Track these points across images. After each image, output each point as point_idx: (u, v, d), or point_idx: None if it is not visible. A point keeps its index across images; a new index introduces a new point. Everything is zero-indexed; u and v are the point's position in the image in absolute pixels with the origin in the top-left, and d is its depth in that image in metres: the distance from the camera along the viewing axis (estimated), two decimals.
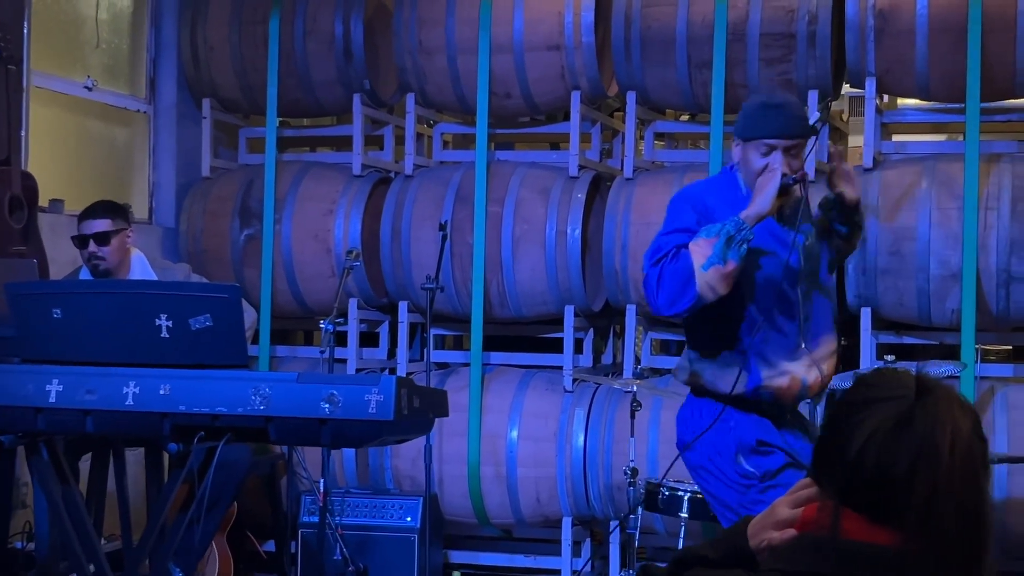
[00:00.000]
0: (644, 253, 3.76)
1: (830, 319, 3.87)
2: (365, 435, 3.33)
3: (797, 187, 3.68)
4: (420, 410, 3.44)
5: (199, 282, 5.28)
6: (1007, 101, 6.32)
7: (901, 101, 6.99)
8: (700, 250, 3.52)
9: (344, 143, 7.35)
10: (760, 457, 3.73)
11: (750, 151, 3.66)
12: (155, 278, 5.27)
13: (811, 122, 5.42)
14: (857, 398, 1.85)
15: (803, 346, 3.71)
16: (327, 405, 3.30)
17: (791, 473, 3.68)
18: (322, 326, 5.04)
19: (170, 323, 3.48)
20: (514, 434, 6.55)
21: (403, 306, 6.95)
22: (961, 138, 6.22)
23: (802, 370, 3.73)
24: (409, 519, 6.29)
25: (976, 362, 5.95)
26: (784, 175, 3.59)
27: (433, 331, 6.83)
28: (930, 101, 6.40)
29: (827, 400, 4.40)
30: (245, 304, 5.56)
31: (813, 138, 5.58)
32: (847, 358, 7.04)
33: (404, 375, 6.82)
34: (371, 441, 3.37)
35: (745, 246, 3.51)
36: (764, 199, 3.56)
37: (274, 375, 3.45)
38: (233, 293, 3.44)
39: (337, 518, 6.22)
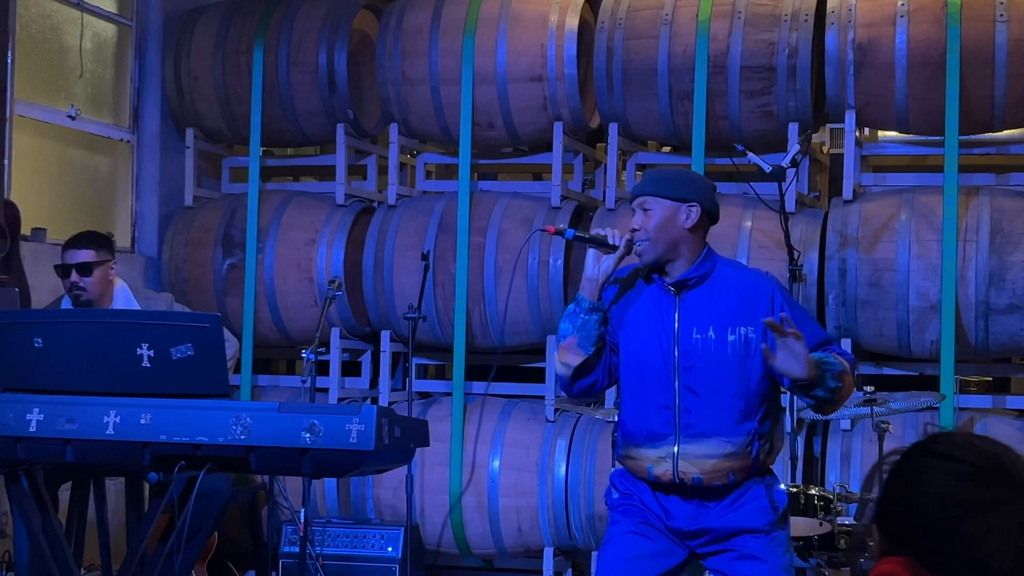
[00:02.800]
0: None
1: (734, 424, 3.55)
2: (346, 465, 3.34)
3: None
4: (401, 440, 3.44)
5: (181, 312, 5.28)
6: (985, 135, 6.38)
7: (881, 134, 7.05)
8: (560, 328, 3.67)
9: (327, 172, 7.37)
10: (623, 503, 3.73)
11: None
12: (138, 308, 5.27)
13: (791, 155, 5.53)
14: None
15: (672, 436, 3.57)
16: (308, 435, 3.31)
17: (628, 523, 3.67)
18: (304, 356, 5.05)
19: (151, 352, 3.48)
20: (496, 464, 6.55)
21: (385, 335, 6.95)
22: (940, 171, 6.27)
23: (652, 459, 3.61)
24: (390, 549, 6.27)
25: (956, 393, 5.99)
26: (567, 231, 3.65)
27: (415, 360, 6.84)
28: (909, 134, 6.45)
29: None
30: (227, 334, 5.57)
31: (793, 170, 5.68)
32: None
33: (386, 405, 6.83)
34: (352, 471, 3.37)
35: (584, 315, 3.57)
36: (587, 263, 3.64)
37: (255, 404, 3.46)
38: (214, 323, 3.45)
39: (318, 548, 6.21)
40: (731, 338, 3.53)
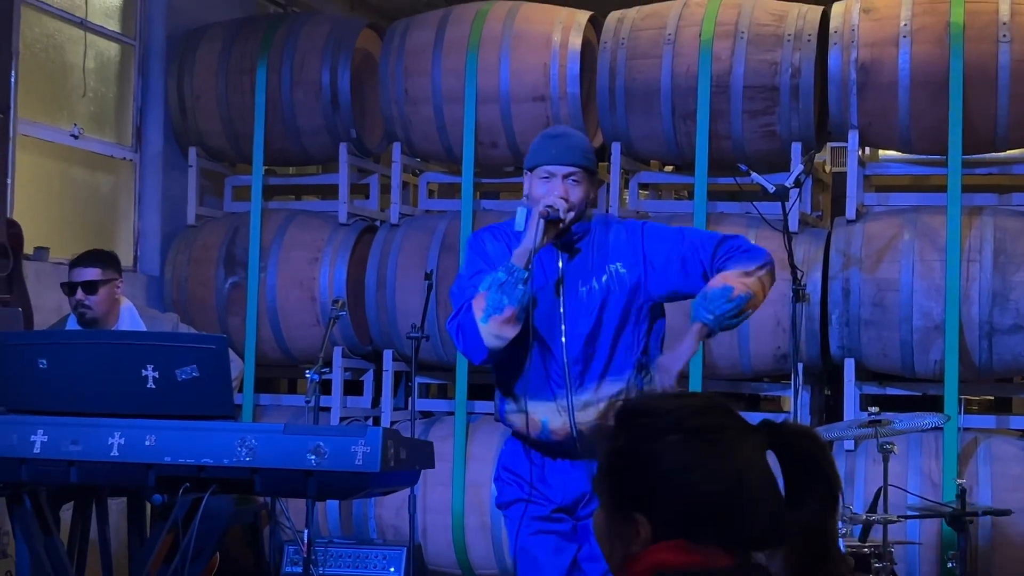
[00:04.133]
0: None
1: (622, 366, 3.61)
2: (351, 487, 3.32)
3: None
4: (406, 461, 3.43)
5: (186, 332, 5.27)
6: (988, 155, 6.38)
7: (883, 153, 7.05)
8: (478, 304, 3.51)
9: (330, 191, 7.37)
10: (502, 484, 3.74)
11: (534, 181, 3.62)
12: (143, 327, 5.26)
13: (794, 175, 5.52)
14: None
15: (562, 389, 3.58)
16: (313, 457, 3.29)
17: (519, 507, 3.64)
18: (308, 376, 5.03)
19: (156, 374, 3.47)
20: None
21: (388, 354, 6.94)
22: (943, 191, 6.27)
23: (547, 412, 3.59)
24: (392, 570, 6.26)
25: (960, 413, 5.97)
26: (549, 208, 3.48)
27: (418, 379, 6.82)
28: (912, 154, 6.45)
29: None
30: (232, 354, 5.54)
31: (796, 190, 5.67)
32: (830, 408, 7.08)
33: (388, 424, 6.82)
34: (357, 493, 3.36)
35: (522, 286, 3.45)
36: (528, 234, 3.50)
37: (260, 426, 3.45)
38: (220, 344, 3.44)
39: (320, 568, 6.18)
40: (604, 278, 3.60)
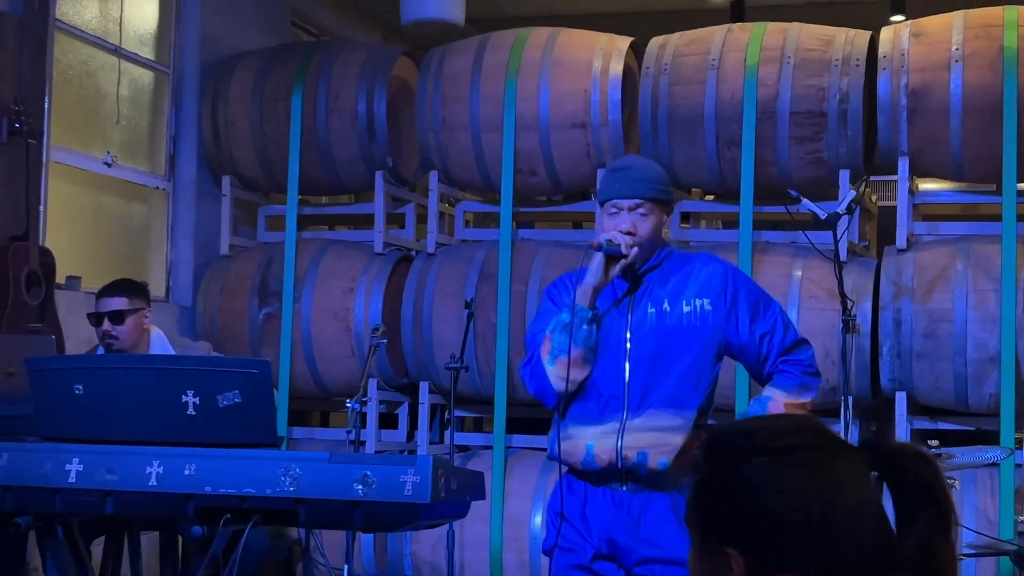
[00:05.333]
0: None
1: (685, 403, 3.43)
2: (400, 519, 3.16)
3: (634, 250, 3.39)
4: (456, 492, 3.28)
5: (228, 357, 5.14)
6: None
7: (925, 184, 6.88)
8: (544, 347, 3.39)
9: (364, 221, 7.24)
10: (548, 528, 3.54)
11: (604, 217, 3.49)
12: None
13: (846, 201, 5.37)
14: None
15: (621, 412, 3.40)
16: (360, 487, 3.14)
17: (560, 555, 3.45)
18: (348, 405, 4.88)
19: (197, 400, 3.33)
20: (538, 520, 6.36)
21: (424, 387, 6.79)
22: (992, 220, 6.10)
23: (593, 436, 3.41)
24: None
25: (1018, 449, 5.77)
26: (605, 242, 3.35)
27: (456, 412, 6.68)
28: (964, 181, 6.28)
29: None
30: None
31: (846, 217, 5.51)
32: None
33: None
34: (406, 525, 3.20)
35: (587, 326, 3.33)
36: (591, 270, 3.37)
37: (305, 454, 3.29)
38: (263, 368, 3.30)
39: None
40: (686, 309, 3.43)
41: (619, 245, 3.35)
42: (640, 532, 3.38)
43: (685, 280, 3.49)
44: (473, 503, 3.96)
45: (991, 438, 5.97)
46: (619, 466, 3.38)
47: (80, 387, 3.42)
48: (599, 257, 3.36)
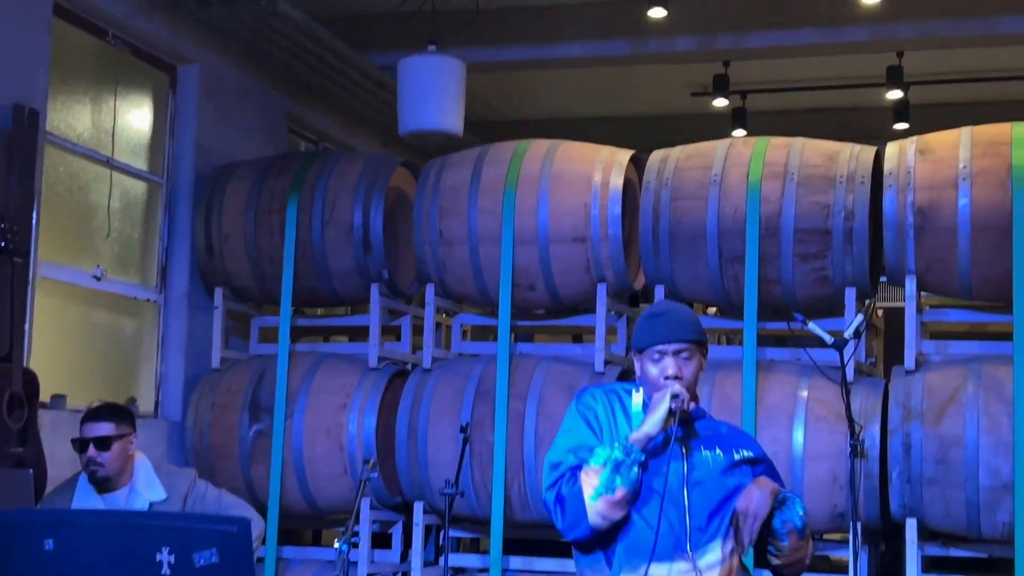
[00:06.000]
0: (544, 466, 3.57)
1: (724, 524, 3.44)
2: None
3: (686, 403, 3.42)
4: None
5: (206, 515, 4.92)
6: None
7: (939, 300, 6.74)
8: (588, 479, 3.36)
9: (359, 333, 7.09)
10: None
11: (645, 363, 3.50)
12: (159, 485, 4.94)
13: (853, 326, 5.21)
14: None
15: (686, 551, 3.38)
16: None
17: None
18: (337, 545, 4.67)
19: (172, 558, 3.13)
20: None
21: (418, 507, 6.59)
22: (1003, 338, 5.94)
23: (666, 572, 3.38)
24: None
25: None
26: (675, 398, 3.36)
27: (451, 532, 6.48)
28: (973, 300, 6.12)
29: None
30: (254, 514, 5.23)
31: (853, 341, 5.35)
32: (885, 565, 6.67)
33: None
34: None
35: (636, 468, 3.35)
36: (653, 421, 3.37)
37: None
38: (242, 527, 3.11)
39: None
40: (737, 456, 3.46)
41: (683, 401, 3.36)
42: None
43: (729, 434, 3.54)
44: None
45: (1005, 566, 5.77)
46: None
47: (50, 542, 3.23)
48: (664, 410, 3.35)
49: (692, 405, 3.42)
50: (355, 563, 6.52)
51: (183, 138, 7.14)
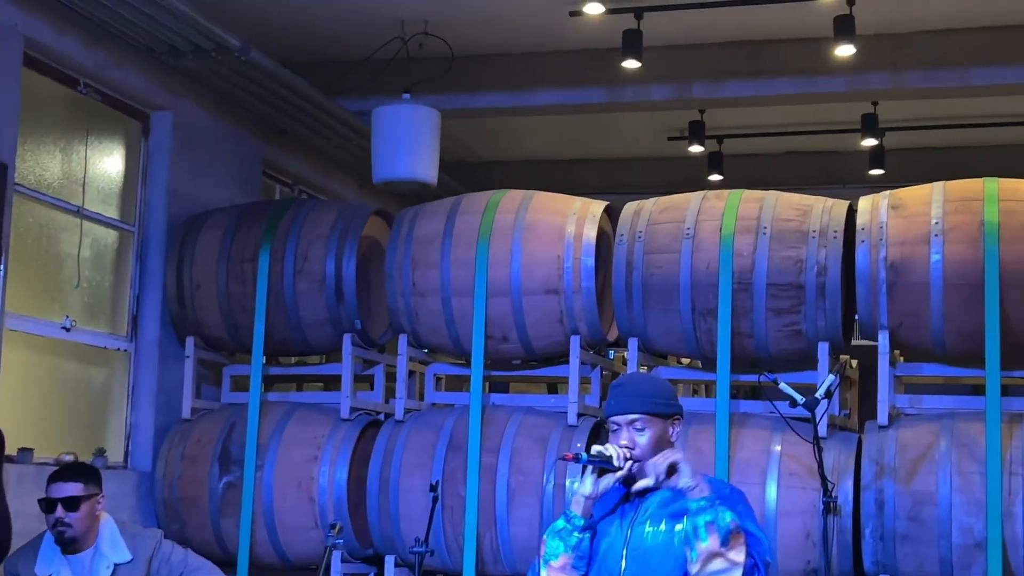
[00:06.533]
0: None
1: None
2: None
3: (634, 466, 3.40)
4: None
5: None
6: None
7: None
8: (541, 550, 3.50)
9: (332, 381, 7.04)
10: None
11: (610, 434, 3.57)
12: (124, 546, 4.87)
13: (825, 386, 5.19)
14: None
15: None
16: None
17: None
18: None
19: None
20: None
21: (390, 560, 6.53)
22: (977, 393, 5.92)
23: None
24: None
25: None
26: (590, 455, 3.39)
27: None
28: (946, 355, 6.09)
29: None
30: (213, 569, 5.17)
31: (825, 402, 5.31)
32: None
33: None
34: None
35: (578, 534, 3.43)
36: (584, 482, 3.45)
37: None
38: None
39: None
40: (678, 528, 3.41)
41: (610, 457, 3.39)
42: None
43: (683, 501, 3.45)
44: None
45: None
46: None
47: None
48: (589, 470, 3.41)
49: (629, 464, 3.37)
50: None
51: (155, 185, 7.10)
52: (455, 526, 6.29)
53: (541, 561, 3.48)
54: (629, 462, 3.42)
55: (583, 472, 3.46)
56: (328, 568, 6.32)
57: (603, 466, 3.41)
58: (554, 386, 7.70)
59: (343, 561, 6.58)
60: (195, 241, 6.99)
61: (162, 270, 7.05)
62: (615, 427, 3.49)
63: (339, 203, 7.37)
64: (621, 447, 3.44)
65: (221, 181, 7.52)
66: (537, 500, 6.22)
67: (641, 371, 6.40)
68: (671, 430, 3.52)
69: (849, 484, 5.89)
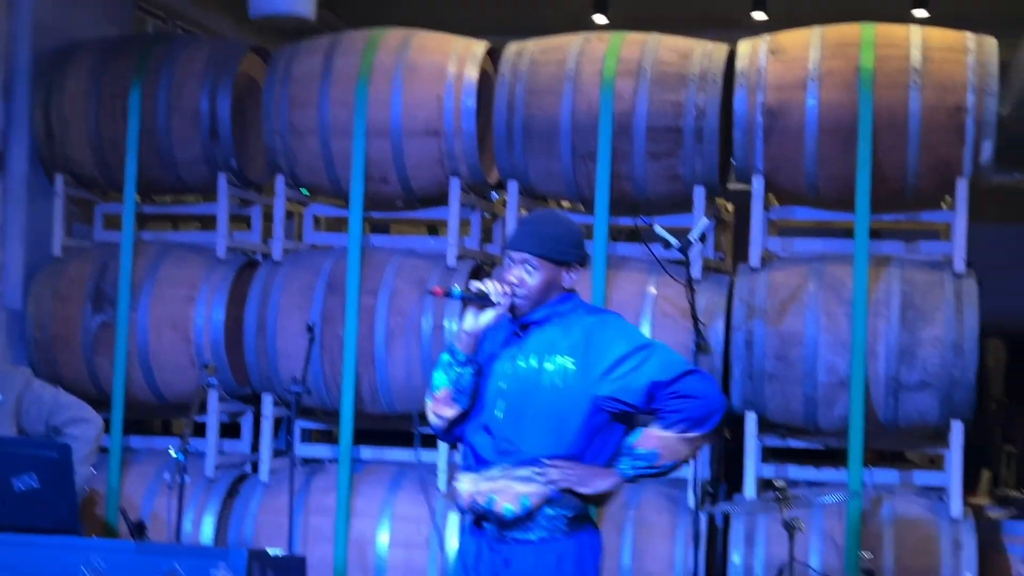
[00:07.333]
0: None
1: (552, 447, 3.47)
2: None
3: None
4: None
5: (23, 438, 4.80)
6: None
7: None
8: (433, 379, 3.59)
9: (209, 220, 6.93)
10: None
11: (504, 267, 3.66)
12: None
13: (698, 230, 5.25)
14: None
15: (493, 464, 3.50)
16: None
17: None
18: (172, 452, 4.62)
19: None
20: (384, 539, 6.19)
21: (267, 398, 6.55)
22: (848, 236, 6.05)
23: (467, 485, 3.54)
24: None
25: (865, 466, 5.77)
26: (464, 289, 3.50)
27: (300, 423, 6.48)
28: (819, 200, 6.20)
29: None
30: (90, 414, 5.14)
31: (699, 244, 5.37)
32: (730, 455, 6.85)
33: (268, 472, 6.45)
34: None
35: (458, 368, 3.50)
36: (464, 318, 3.53)
37: (108, 544, 3.06)
38: (63, 453, 3.05)
39: None
40: (548, 367, 3.48)
41: (487, 293, 3.46)
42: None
43: (558, 338, 3.53)
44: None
45: (840, 456, 5.98)
46: (475, 510, 3.51)
47: None
48: (469, 306, 3.49)
49: (506, 299, 3.44)
50: (203, 454, 6.52)
51: (20, 16, 6.79)
52: (333, 366, 6.31)
53: (428, 393, 3.57)
54: (509, 298, 3.48)
55: (463, 308, 3.52)
56: (203, 406, 6.38)
57: (481, 302, 3.48)
58: (435, 228, 7.68)
59: (221, 400, 6.58)
60: (63, 76, 6.76)
61: (28, 105, 6.81)
62: (508, 262, 3.56)
63: (215, 39, 7.19)
64: (506, 283, 3.50)
65: (91, 13, 7.23)
66: (416, 341, 6.25)
67: (551, 209, 6.41)
68: (565, 276, 3.54)
69: (721, 325, 6.02)
